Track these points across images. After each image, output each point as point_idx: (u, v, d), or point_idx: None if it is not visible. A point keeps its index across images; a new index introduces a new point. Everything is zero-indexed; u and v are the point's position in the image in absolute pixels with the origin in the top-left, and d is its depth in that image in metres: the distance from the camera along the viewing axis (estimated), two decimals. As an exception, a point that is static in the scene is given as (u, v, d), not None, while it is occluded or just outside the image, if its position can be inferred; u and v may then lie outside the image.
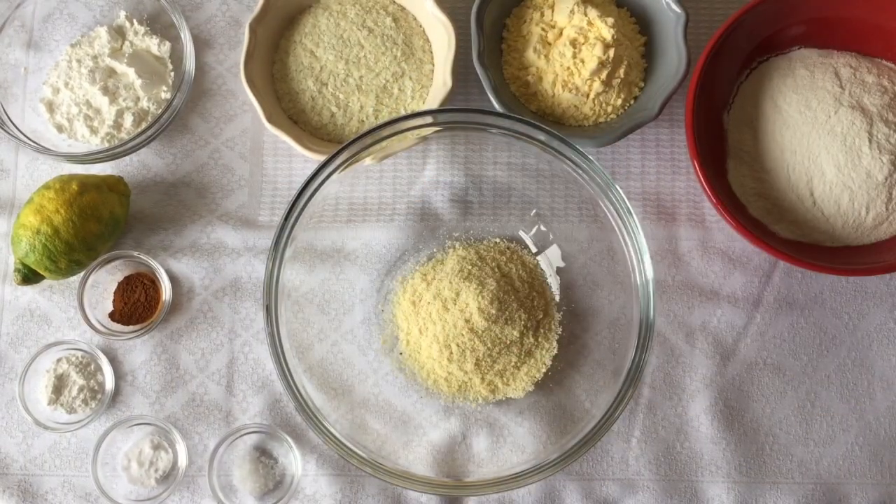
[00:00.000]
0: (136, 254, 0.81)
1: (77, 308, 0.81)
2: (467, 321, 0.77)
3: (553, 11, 0.81)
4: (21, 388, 0.79)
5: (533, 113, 0.82)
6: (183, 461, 0.79)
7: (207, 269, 0.83)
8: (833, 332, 0.82)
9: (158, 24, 0.86)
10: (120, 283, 0.83)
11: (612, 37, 0.78)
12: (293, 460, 0.79)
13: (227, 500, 0.78)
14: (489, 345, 0.77)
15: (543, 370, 0.80)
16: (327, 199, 0.81)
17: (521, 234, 0.84)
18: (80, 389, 0.80)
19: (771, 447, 0.80)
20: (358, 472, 0.79)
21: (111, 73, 0.84)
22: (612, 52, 0.78)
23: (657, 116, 0.78)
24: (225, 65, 0.86)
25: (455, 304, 0.78)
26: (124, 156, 0.82)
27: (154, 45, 0.85)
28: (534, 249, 0.83)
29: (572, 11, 0.79)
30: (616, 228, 0.77)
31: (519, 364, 0.79)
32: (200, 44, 0.86)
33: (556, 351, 0.80)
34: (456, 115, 0.77)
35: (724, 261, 0.83)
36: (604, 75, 0.78)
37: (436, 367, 0.79)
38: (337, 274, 0.82)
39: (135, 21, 0.85)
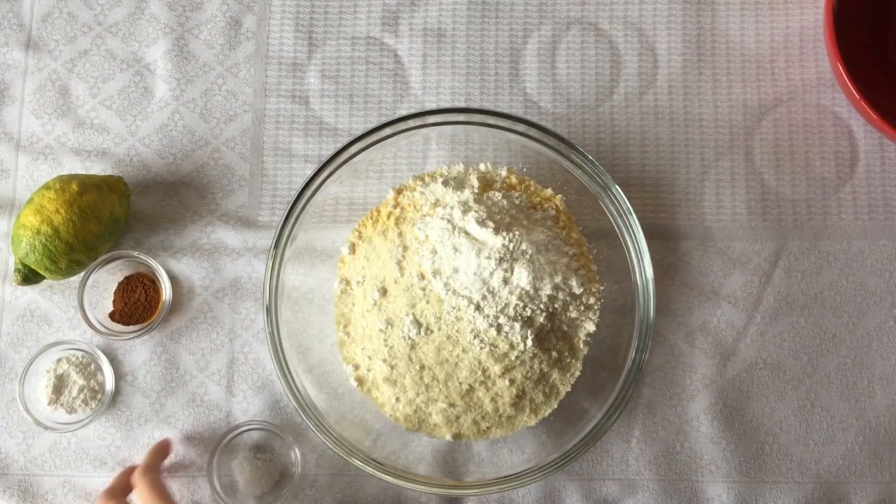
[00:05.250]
0: (136, 254, 0.81)
1: (77, 308, 0.81)
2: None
3: None
4: (21, 389, 0.79)
5: None
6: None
7: (207, 269, 0.83)
8: (833, 332, 0.82)
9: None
10: (120, 283, 0.83)
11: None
12: (294, 458, 0.79)
13: (228, 499, 0.79)
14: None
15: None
16: (327, 199, 0.81)
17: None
18: (81, 389, 0.80)
19: (771, 447, 0.80)
20: (358, 472, 0.79)
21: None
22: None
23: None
24: (225, 65, 0.86)
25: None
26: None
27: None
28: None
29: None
30: (616, 228, 0.78)
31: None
32: (201, 44, 0.86)
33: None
34: (456, 115, 0.77)
35: (723, 261, 0.83)
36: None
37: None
38: (337, 274, 0.82)
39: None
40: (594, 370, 0.79)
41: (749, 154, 0.85)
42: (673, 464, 0.80)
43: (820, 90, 0.86)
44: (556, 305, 0.75)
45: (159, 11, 0.87)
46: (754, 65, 0.86)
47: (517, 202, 0.79)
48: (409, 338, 0.75)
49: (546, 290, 0.74)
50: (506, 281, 0.73)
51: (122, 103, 0.86)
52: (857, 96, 0.76)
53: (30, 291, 0.83)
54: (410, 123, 0.77)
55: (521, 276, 0.73)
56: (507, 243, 0.73)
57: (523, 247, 0.74)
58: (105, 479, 0.80)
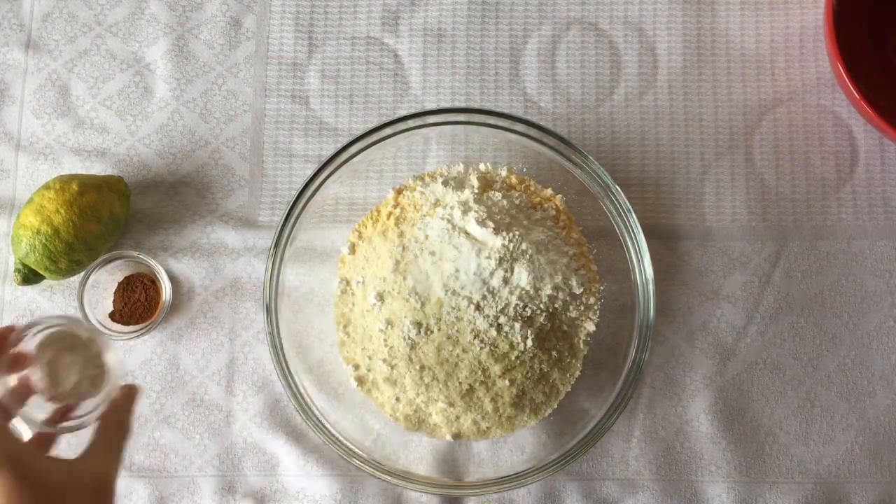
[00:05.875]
0: (136, 254, 0.81)
1: (77, 308, 0.81)
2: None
3: None
4: (21, 388, 0.79)
5: None
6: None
7: (207, 269, 0.83)
8: (833, 332, 0.82)
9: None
10: (120, 283, 0.83)
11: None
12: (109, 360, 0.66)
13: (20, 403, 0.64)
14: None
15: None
16: (327, 199, 0.81)
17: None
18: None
19: (771, 447, 0.80)
20: (358, 472, 0.79)
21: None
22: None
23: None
24: (225, 65, 0.86)
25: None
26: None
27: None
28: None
29: None
30: (616, 228, 0.78)
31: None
32: (201, 44, 0.86)
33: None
34: (456, 115, 0.77)
35: (723, 261, 0.83)
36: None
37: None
38: (337, 274, 0.82)
39: None
40: (594, 370, 0.79)
41: (749, 154, 0.85)
42: (673, 464, 0.80)
43: (820, 90, 0.86)
44: (556, 305, 0.75)
45: (159, 11, 0.87)
46: (754, 65, 0.86)
47: (517, 202, 0.79)
48: (409, 338, 0.75)
49: (546, 290, 0.74)
50: (506, 281, 0.73)
51: (122, 103, 0.86)
52: (857, 96, 0.76)
53: (30, 291, 0.83)
54: (410, 123, 0.77)
55: (521, 276, 0.73)
56: (507, 243, 0.73)
57: (523, 247, 0.74)
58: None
